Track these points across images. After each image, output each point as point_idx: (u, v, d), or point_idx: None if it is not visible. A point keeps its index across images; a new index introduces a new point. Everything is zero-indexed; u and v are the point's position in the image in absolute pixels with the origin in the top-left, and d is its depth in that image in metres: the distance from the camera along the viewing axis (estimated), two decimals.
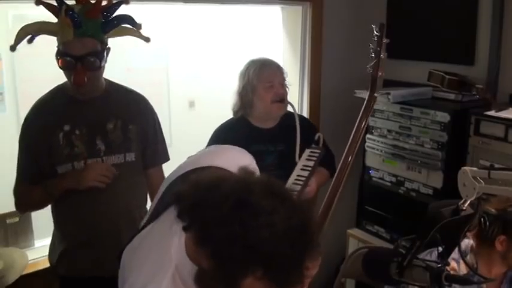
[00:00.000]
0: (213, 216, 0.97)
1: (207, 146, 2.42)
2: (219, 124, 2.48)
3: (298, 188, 2.15)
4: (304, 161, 2.28)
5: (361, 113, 1.61)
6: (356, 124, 1.63)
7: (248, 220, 0.95)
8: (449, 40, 2.88)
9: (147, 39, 1.94)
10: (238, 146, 2.44)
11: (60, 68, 1.83)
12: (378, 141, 2.85)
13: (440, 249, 1.33)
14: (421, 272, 1.31)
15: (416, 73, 2.91)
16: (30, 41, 1.84)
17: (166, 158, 2.16)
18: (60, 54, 1.81)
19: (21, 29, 1.81)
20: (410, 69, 2.89)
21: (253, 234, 0.94)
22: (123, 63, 2.61)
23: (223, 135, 2.40)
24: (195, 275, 1.03)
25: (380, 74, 1.63)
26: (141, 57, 2.78)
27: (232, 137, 2.35)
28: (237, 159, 1.27)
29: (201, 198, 1.01)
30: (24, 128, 1.96)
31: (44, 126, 1.90)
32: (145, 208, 2.09)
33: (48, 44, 1.87)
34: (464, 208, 1.27)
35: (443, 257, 1.31)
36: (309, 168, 2.23)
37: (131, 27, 1.91)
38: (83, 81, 1.79)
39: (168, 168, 1.66)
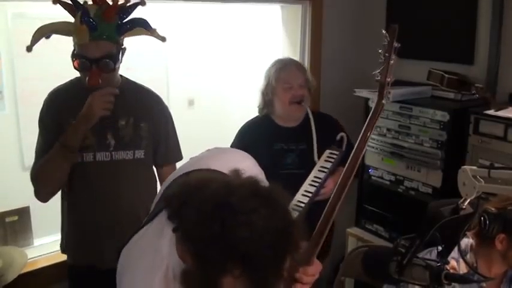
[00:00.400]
0: (195, 216, 1.00)
1: (232, 142, 2.46)
2: (245, 121, 2.53)
3: (313, 189, 2.15)
4: (323, 162, 2.26)
5: (366, 124, 1.54)
6: (360, 134, 1.55)
7: (227, 220, 0.97)
8: (449, 39, 2.88)
9: (163, 39, 1.97)
10: (262, 144, 2.47)
11: (76, 69, 1.87)
12: (377, 140, 2.85)
13: (440, 248, 1.33)
14: (421, 270, 1.31)
15: (415, 72, 2.91)
16: (47, 37, 1.87)
17: (180, 157, 2.18)
18: (75, 56, 1.84)
19: (38, 30, 1.82)
20: (410, 68, 2.89)
21: (232, 233, 0.96)
22: (122, 62, 2.60)
23: (247, 133, 2.45)
24: (180, 274, 1.06)
25: (389, 79, 1.57)
26: (141, 56, 2.77)
27: (256, 134, 2.40)
28: (235, 162, 1.28)
29: (187, 200, 1.05)
30: (42, 114, 1.98)
31: (58, 114, 1.93)
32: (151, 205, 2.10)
33: (48, 42, 1.87)
34: (464, 207, 1.27)
35: (443, 255, 1.32)
36: (326, 170, 2.21)
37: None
38: (97, 83, 1.82)
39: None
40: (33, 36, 1.81)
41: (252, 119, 2.53)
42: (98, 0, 1.85)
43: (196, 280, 1.02)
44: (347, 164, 1.54)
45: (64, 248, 2.11)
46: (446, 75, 2.69)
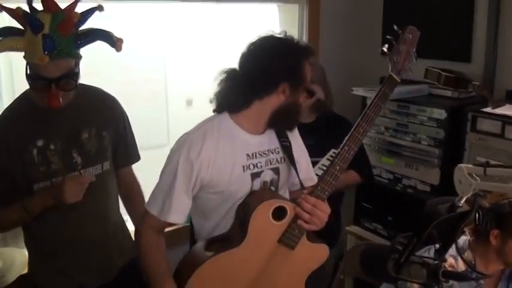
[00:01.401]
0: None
1: None
2: None
3: None
4: (324, 160, 2.32)
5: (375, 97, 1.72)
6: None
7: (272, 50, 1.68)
8: (446, 37, 2.89)
9: (118, 49, 1.78)
10: None
11: (32, 89, 1.71)
12: (375, 138, 2.86)
13: (437, 246, 1.34)
14: (419, 268, 1.32)
15: (413, 70, 2.91)
16: None
17: (138, 158, 2.10)
18: (32, 77, 1.66)
19: None
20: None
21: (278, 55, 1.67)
22: (120, 61, 2.60)
23: None
24: (269, 120, 1.70)
25: (396, 58, 1.76)
26: (139, 55, 2.77)
27: None
28: None
29: None
30: None
31: (14, 143, 1.74)
32: (120, 214, 2.06)
33: None
34: (461, 205, 1.28)
35: (441, 253, 1.32)
36: (324, 168, 2.27)
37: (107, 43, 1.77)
38: (58, 104, 1.67)
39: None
40: None
41: None
42: (50, 5, 1.66)
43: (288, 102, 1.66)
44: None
45: (29, 269, 1.97)
46: (444, 73, 2.70)
